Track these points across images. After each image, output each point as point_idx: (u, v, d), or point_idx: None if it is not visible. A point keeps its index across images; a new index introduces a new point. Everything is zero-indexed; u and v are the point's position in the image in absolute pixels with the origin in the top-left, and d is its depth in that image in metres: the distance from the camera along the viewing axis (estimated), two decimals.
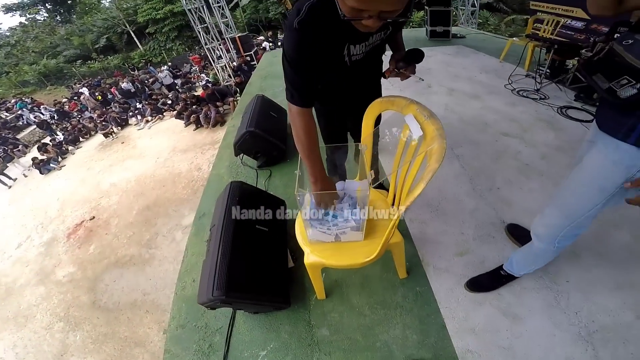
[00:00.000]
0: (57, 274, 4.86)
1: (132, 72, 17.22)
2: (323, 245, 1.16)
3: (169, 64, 16.93)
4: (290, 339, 1.44)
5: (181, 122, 8.86)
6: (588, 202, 0.95)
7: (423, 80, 1.21)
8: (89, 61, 20.93)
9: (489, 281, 1.49)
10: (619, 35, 2.76)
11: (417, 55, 1.06)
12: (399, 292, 1.55)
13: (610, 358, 1.24)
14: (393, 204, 1.24)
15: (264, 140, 2.43)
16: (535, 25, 3.62)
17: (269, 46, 13.11)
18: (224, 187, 1.69)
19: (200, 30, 9.41)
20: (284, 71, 0.96)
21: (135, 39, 20.94)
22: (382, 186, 1.77)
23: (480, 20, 10.07)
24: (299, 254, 1.76)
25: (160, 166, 7.19)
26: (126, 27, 20.62)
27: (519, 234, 1.71)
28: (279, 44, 13.28)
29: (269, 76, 5.11)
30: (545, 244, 1.14)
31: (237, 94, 8.92)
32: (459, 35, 6.01)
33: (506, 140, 2.65)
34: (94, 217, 5.90)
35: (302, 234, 1.21)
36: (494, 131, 2.79)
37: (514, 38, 4.28)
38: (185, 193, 5.94)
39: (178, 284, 1.81)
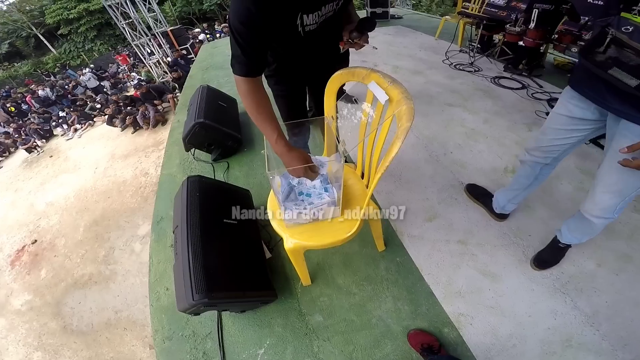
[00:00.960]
0: (13, 303, 4.35)
1: (47, 79, 15.16)
2: (301, 227, 1.12)
3: (92, 65, 15.25)
4: (284, 331, 1.40)
5: (115, 129, 8.03)
6: (636, 179, 0.97)
7: (377, 48, 1.21)
8: None
9: (553, 257, 1.50)
10: (537, 7, 3.05)
11: (368, 24, 1.05)
12: (381, 265, 1.57)
13: (588, 307, 1.34)
14: (363, 176, 1.24)
15: (216, 131, 2.27)
16: (463, 4, 3.91)
17: (207, 38, 12.36)
18: (178, 186, 1.55)
19: (125, 26, 8.67)
20: (230, 43, 0.89)
21: (45, 42, 18.45)
22: (346, 161, 1.76)
23: (414, 2, 10.51)
24: (273, 243, 1.72)
25: (101, 177, 6.49)
26: (32, 30, 18.05)
27: (478, 193, 1.85)
28: (217, 35, 12.58)
29: (211, 67, 4.81)
30: (605, 220, 1.15)
31: (177, 90, 8.32)
32: (396, 16, 6.23)
33: (451, 110, 2.84)
34: (35, 241, 5.23)
35: (277, 219, 1.16)
36: (439, 102, 2.98)
37: (447, 16, 4.55)
38: (135, 201, 5.47)
39: (151, 295, 1.67)
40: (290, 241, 1.11)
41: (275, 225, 1.16)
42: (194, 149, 2.37)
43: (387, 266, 1.55)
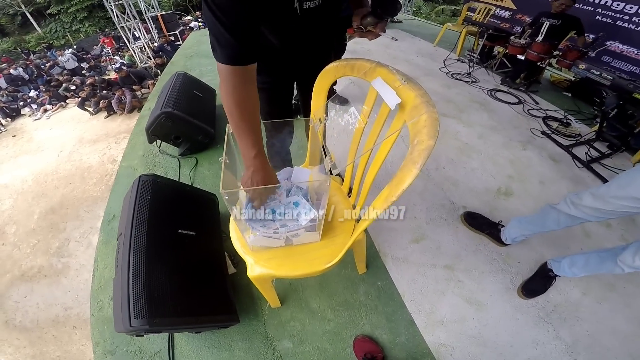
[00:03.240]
0: None
1: (25, 57, 14.25)
2: (270, 252, 0.90)
3: (74, 46, 14.45)
4: (247, 356, 1.23)
5: (86, 112, 7.49)
6: None
7: (396, 40, 0.97)
8: None
9: (543, 286, 1.43)
10: (544, 21, 2.98)
11: (391, 7, 0.79)
12: (361, 289, 1.42)
13: (570, 336, 1.30)
14: (350, 193, 1.03)
15: (185, 122, 2.00)
16: (467, 14, 3.82)
17: (199, 26, 11.90)
18: None
19: (113, 7, 8.14)
20: (206, 20, 0.65)
21: (32, 20, 17.31)
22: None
23: (415, 9, 10.56)
24: (239, 257, 1.48)
25: (65, 161, 5.97)
26: (21, 7, 16.89)
27: (481, 223, 1.71)
28: None
29: (196, 55, 4.52)
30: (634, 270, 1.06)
31: (159, 76, 7.89)
32: (396, 20, 6.13)
33: (446, 121, 2.70)
34: None
35: (240, 239, 0.93)
36: None
37: (449, 24, 4.46)
38: (98, 190, 5.05)
39: (93, 304, 1.48)
40: (255, 269, 0.89)
41: (237, 246, 0.93)
42: (159, 140, 2.09)
43: (367, 290, 1.42)
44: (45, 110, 8.30)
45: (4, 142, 7.44)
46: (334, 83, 1.11)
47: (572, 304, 1.40)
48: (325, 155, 0.78)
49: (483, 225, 1.68)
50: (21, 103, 8.89)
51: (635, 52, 2.67)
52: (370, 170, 0.82)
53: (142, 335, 0.99)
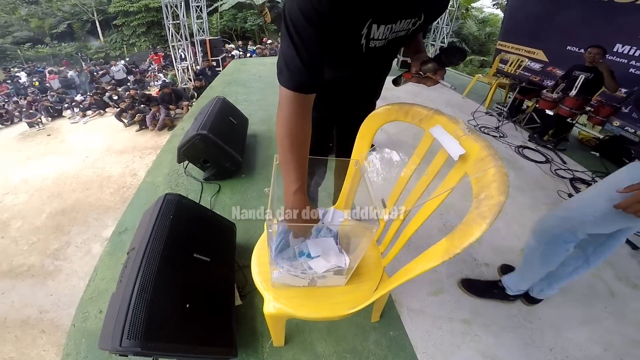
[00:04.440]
0: None
1: (83, 63, 15.61)
2: (291, 290, 0.85)
3: (127, 59, 15.68)
4: None
5: (121, 123, 7.89)
6: None
7: (455, 88, 0.97)
8: (40, 45, 18.37)
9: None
10: (577, 75, 2.97)
11: (458, 54, 0.78)
12: (371, 338, 1.34)
13: None
14: (380, 242, 1.00)
15: (217, 148, 2.02)
16: (499, 65, 3.88)
17: (239, 54, 12.72)
18: (157, 199, 1.32)
19: (170, 26, 8.76)
20: (281, 43, 0.68)
21: (99, 29, 19.05)
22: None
23: None
24: (248, 289, 1.45)
25: (88, 166, 6.19)
26: (93, 15, 18.73)
27: (481, 288, 1.61)
28: (248, 55, 12.85)
29: (234, 83, 4.76)
30: None
31: (194, 99, 8.31)
32: None
33: None
34: None
35: (262, 273, 0.90)
36: None
37: (479, 75, 4.52)
38: (113, 200, 5.13)
39: (78, 313, 1.41)
40: (273, 305, 0.84)
41: (257, 280, 0.89)
42: (187, 161, 2.13)
43: (377, 340, 1.33)
44: (84, 115, 8.79)
45: (38, 139, 7.86)
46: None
47: (591, 359, 1.34)
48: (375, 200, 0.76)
49: (482, 290, 1.58)
50: (65, 105, 9.50)
51: None
52: (412, 222, 0.79)
53: (126, 356, 0.92)
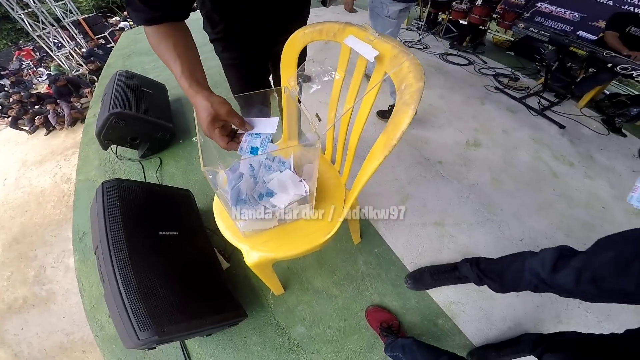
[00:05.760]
0: None
1: None
2: (264, 234, 0.85)
3: None
4: (264, 350, 1.19)
5: (22, 132, 6.73)
6: None
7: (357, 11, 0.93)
8: None
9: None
10: None
11: None
12: (360, 260, 1.42)
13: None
14: (334, 161, 1.00)
15: (139, 121, 1.82)
16: None
17: (130, 25, 10.93)
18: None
19: (22, 16, 7.33)
20: None
21: None
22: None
23: None
24: (230, 250, 1.45)
25: (13, 189, 5.38)
26: None
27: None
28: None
29: (134, 54, 4.13)
30: None
31: (95, 83, 7.21)
32: None
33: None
34: None
35: (230, 227, 0.87)
36: None
37: None
38: (59, 212, 4.65)
39: (92, 325, 1.39)
40: (253, 255, 0.83)
41: (228, 236, 0.86)
42: (114, 145, 1.90)
43: (366, 260, 1.42)
44: None
45: None
46: (304, 53, 1.05)
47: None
48: (308, 121, 0.73)
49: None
50: None
51: (563, 11, 2.96)
52: (353, 132, 0.79)
53: (154, 348, 0.93)
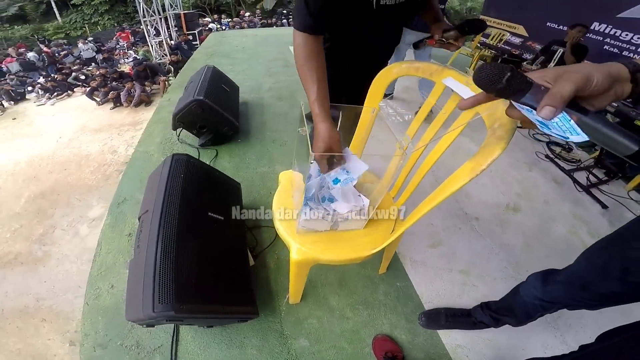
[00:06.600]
0: None
1: (41, 45, 14.30)
2: (315, 235, 0.91)
3: (89, 38, 14.63)
4: (260, 355, 1.18)
5: (93, 102, 7.47)
6: None
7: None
8: None
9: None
10: (555, 49, 3.12)
11: (478, 25, 0.91)
12: (380, 289, 1.43)
13: (575, 341, 1.34)
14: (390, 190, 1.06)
15: (214, 113, 2.01)
16: (481, 38, 3.99)
17: (217, 28, 12.16)
18: (154, 167, 1.31)
19: (141, 1, 8.33)
20: None
21: (55, 9, 17.36)
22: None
23: None
24: (259, 249, 1.51)
25: (63, 147, 5.81)
26: None
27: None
28: (223, 28, 12.42)
29: (216, 55, 4.58)
30: None
31: (171, 74, 7.94)
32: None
33: (459, 138, 2.67)
34: None
35: (287, 222, 0.94)
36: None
37: (461, 46, 4.66)
38: (94, 179, 4.86)
39: (89, 291, 1.39)
40: (300, 250, 0.89)
41: (281, 228, 0.94)
42: (181, 129, 2.10)
43: (386, 291, 1.43)
44: (50, 97, 8.25)
45: (2, 124, 7.29)
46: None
47: (576, 312, 1.45)
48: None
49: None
50: (29, 88, 8.85)
51: None
52: (423, 165, 0.85)
53: (152, 326, 0.94)
